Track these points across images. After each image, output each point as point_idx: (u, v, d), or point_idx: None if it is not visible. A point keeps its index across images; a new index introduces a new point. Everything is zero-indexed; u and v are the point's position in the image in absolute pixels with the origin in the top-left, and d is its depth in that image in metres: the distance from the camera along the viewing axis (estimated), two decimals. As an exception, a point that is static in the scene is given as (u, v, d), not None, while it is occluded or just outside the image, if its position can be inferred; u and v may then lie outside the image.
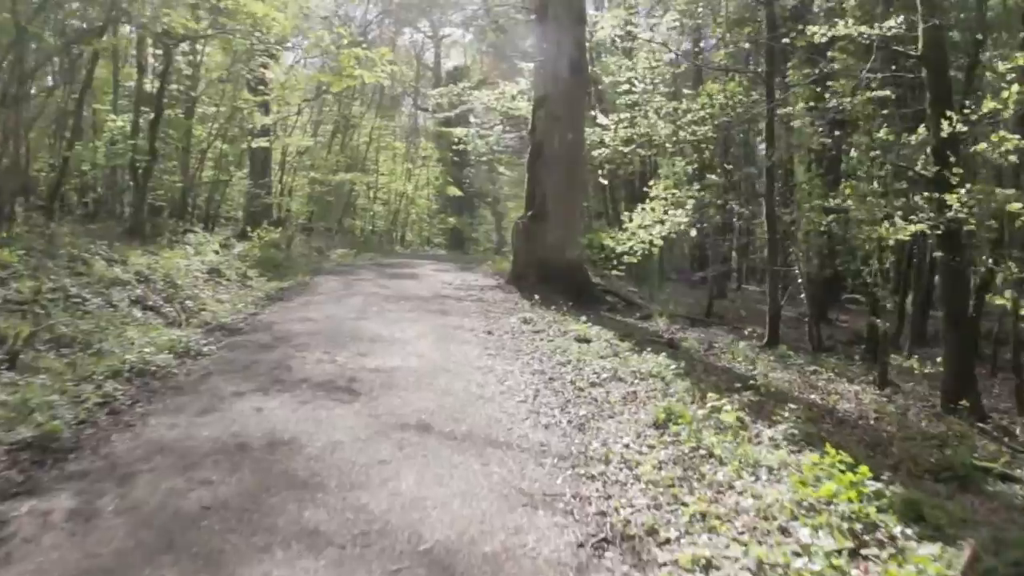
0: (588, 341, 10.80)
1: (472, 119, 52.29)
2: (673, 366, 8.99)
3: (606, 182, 21.52)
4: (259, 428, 5.95)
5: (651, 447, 6.06)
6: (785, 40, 13.53)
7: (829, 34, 10.62)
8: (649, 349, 10.12)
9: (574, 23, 16.95)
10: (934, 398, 11.74)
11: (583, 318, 12.56)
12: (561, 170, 16.67)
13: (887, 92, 12.04)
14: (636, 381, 8.43)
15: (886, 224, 9.74)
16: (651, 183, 17.46)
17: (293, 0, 18.72)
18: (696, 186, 15.34)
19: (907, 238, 10.06)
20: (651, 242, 16.26)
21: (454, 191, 44.47)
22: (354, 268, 20.53)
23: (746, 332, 15.10)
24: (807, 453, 5.96)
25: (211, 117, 23.60)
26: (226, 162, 25.02)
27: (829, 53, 14.70)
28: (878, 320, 12.87)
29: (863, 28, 10.60)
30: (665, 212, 15.43)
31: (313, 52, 24.33)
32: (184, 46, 20.06)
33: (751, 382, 8.74)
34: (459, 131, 39.08)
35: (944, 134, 9.59)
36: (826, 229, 14.78)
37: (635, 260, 17.23)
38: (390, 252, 31.73)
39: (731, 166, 18.48)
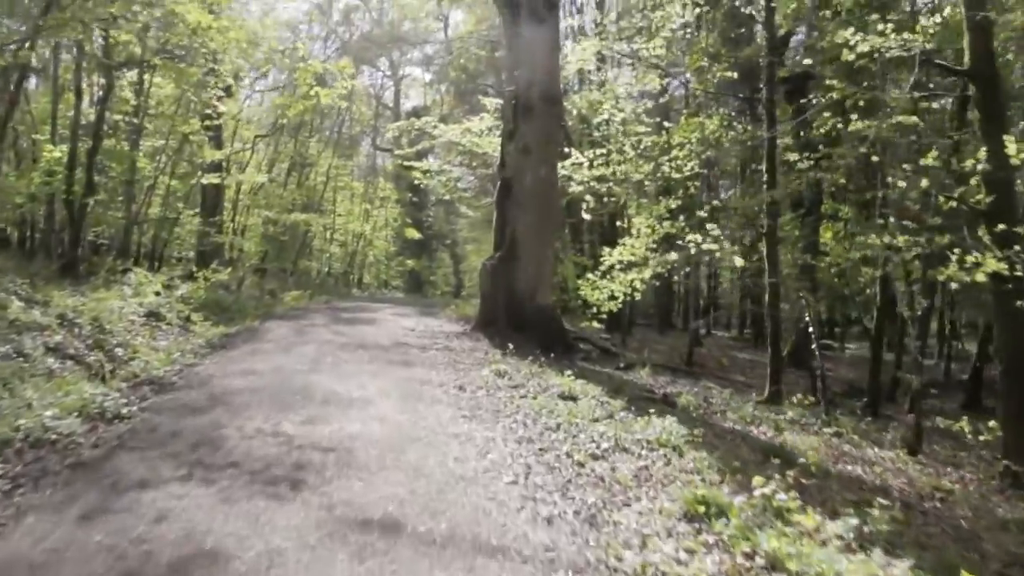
0: (575, 399, 9.40)
1: (431, 159, 51.49)
2: (683, 432, 7.57)
3: (588, 217, 20.10)
4: (171, 532, 4.41)
5: (690, 552, 4.63)
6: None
7: (862, 47, 9.34)
8: (649, 409, 8.68)
9: (548, 51, 15.75)
10: (979, 464, 10.43)
11: (562, 370, 11.17)
12: (533, 208, 15.36)
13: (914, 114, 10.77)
14: (644, 452, 7.00)
15: (953, 265, 8.41)
16: (630, 220, 16.16)
17: (241, 26, 17.35)
18: (681, 222, 14.06)
19: (982, 279, 8.57)
20: (633, 286, 14.95)
21: (413, 233, 43.13)
22: (308, 312, 18.95)
23: (739, 384, 13.80)
24: (896, 560, 4.56)
25: (159, 150, 22.02)
26: (175, 198, 23.41)
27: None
28: (910, 375, 11.53)
29: (906, 35, 9.28)
30: (651, 251, 14.13)
31: (267, 67, 22.82)
32: (131, 74, 18.58)
33: (781, 452, 7.36)
34: (422, 165, 38.15)
35: (1017, 160, 8.21)
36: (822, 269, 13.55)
37: (614, 309, 15.93)
38: (346, 295, 30.16)
39: (717, 202, 17.28)
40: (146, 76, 19.75)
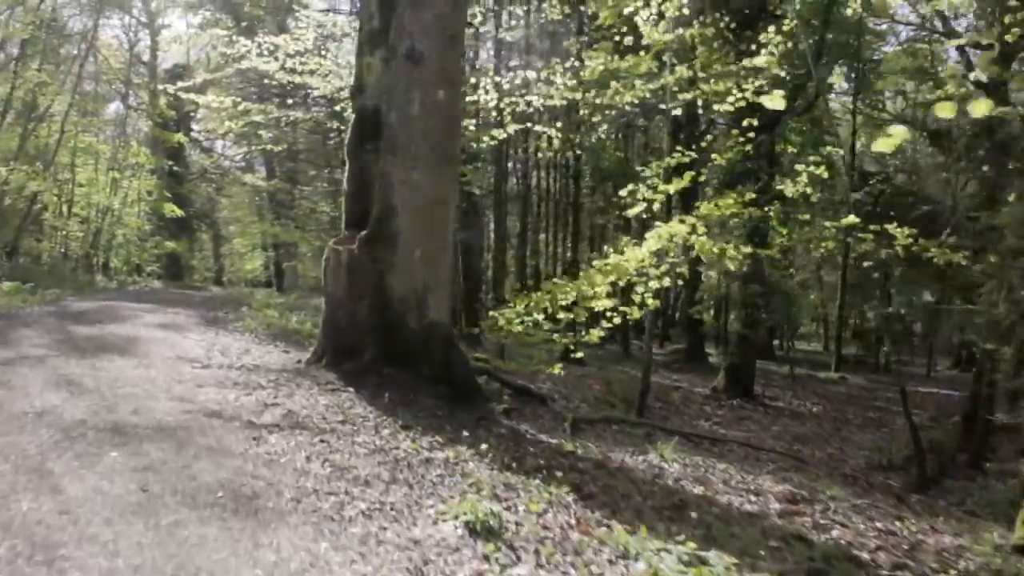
0: None
1: (194, 128, 42.53)
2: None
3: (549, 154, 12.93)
4: None
5: None
6: None
7: None
8: None
9: None
10: None
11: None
12: (422, 157, 8.73)
13: None
14: None
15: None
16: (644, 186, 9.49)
17: None
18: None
19: None
20: (644, 295, 8.56)
21: (172, 209, 34.11)
22: (17, 322, 11.03)
23: (766, 454, 7.94)
24: None
25: None
26: None
27: None
28: None
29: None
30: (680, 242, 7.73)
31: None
32: None
33: None
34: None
35: None
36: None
37: (597, 338, 9.44)
38: (88, 286, 21.43)
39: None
40: None
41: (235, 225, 47.91)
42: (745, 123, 10.19)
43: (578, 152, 20.96)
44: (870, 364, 23.75)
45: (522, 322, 8.72)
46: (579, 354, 12.78)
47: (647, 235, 7.59)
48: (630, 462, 7.14)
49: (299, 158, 36.92)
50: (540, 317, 8.67)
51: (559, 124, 14.44)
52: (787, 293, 19.39)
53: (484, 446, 6.16)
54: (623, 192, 9.46)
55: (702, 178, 8.62)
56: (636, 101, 10.60)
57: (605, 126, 14.91)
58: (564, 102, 11.30)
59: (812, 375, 19.04)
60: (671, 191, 8.91)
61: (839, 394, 16.05)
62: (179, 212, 34.39)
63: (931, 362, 22.39)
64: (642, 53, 11.27)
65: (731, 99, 9.63)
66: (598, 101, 10.55)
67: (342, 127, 17.44)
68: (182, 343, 9.94)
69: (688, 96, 10.06)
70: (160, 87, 23.75)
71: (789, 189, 9.51)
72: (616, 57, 10.90)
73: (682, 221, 7.30)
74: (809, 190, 9.53)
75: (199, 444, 5.27)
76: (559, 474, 5.92)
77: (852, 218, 8.25)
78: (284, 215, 36.20)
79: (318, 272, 35.34)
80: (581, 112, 14.05)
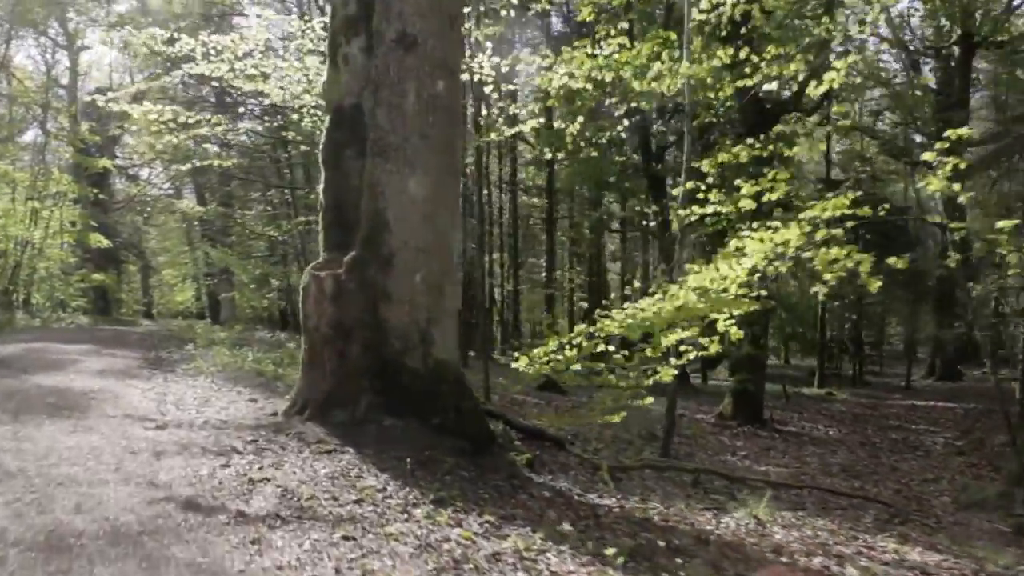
0: None
1: (119, 154, 40.08)
2: None
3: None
4: None
5: None
6: None
7: None
8: None
9: None
10: None
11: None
12: (422, 162, 7.19)
13: None
14: None
15: None
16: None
17: None
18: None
19: None
20: (727, 324, 6.98)
21: (99, 240, 31.66)
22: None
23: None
24: None
25: None
26: None
27: None
28: None
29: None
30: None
31: None
32: None
33: None
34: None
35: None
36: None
37: (672, 376, 7.77)
38: (8, 325, 19.14)
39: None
40: None
41: (164, 255, 45.79)
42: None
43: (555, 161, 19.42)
44: (846, 377, 22.81)
45: (557, 360, 7.17)
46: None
47: (736, 246, 6.01)
48: (725, 529, 5.67)
49: (233, 182, 34.66)
50: (597, 347, 7.08)
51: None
52: (794, 307, 18.36)
53: (565, 527, 4.65)
54: (675, 193, 7.96)
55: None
56: (668, 91, 9.18)
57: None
58: (580, 86, 9.77)
59: (799, 392, 17.88)
60: (753, 194, 7.12)
61: (842, 413, 14.88)
62: (105, 243, 31.96)
63: (910, 373, 21.49)
64: (638, 44, 9.95)
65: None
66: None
67: (299, 137, 15.75)
68: (127, 395, 8.16)
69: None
70: (88, 98, 21.54)
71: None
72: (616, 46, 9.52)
73: (785, 226, 5.80)
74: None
75: (178, 561, 3.63)
76: (661, 561, 4.44)
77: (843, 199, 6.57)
78: (220, 242, 33.95)
79: (258, 302, 33.20)
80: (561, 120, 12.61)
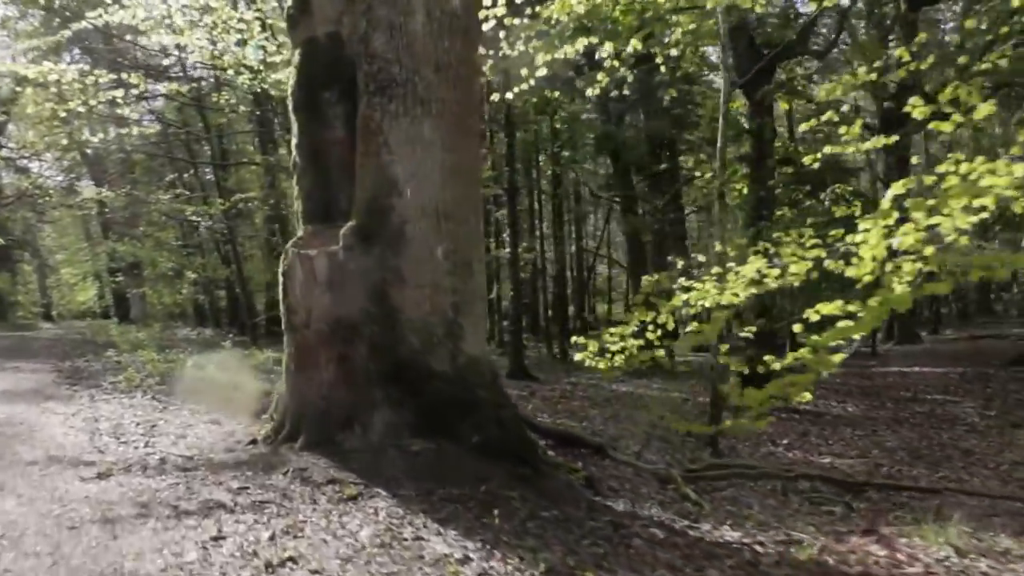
0: None
1: (7, 145, 36.56)
2: None
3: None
4: None
5: None
6: None
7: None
8: None
9: None
10: None
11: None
12: (439, 102, 5.43)
13: None
14: None
15: None
16: None
17: None
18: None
19: None
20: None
21: (-10, 239, 28.56)
22: None
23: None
24: None
25: None
26: None
27: None
28: None
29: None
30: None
31: None
32: None
33: None
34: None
35: None
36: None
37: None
38: None
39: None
40: None
41: (62, 253, 42.68)
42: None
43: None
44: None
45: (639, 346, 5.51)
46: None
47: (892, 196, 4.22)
48: (919, 568, 4.12)
49: (136, 168, 31.53)
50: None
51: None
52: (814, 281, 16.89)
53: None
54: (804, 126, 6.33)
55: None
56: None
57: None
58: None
59: (778, 365, 16.66)
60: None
61: (840, 385, 13.69)
62: (-2, 241, 28.98)
63: (875, 340, 20.52)
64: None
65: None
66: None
67: (233, 100, 13.57)
68: (46, 425, 6.15)
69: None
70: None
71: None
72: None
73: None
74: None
75: None
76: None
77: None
78: (126, 234, 30.99)
79: (171, 298, 30.32)
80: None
